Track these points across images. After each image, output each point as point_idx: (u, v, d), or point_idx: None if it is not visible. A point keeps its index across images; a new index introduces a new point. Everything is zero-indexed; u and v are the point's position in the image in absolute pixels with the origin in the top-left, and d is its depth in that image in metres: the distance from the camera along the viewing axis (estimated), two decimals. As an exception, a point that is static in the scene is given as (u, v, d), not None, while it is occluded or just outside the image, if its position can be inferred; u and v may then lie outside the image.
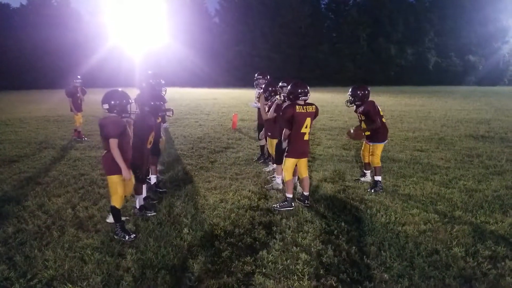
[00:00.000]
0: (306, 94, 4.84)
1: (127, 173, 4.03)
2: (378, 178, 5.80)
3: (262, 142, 7.45)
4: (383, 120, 5.83)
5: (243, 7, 48.31)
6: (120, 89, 4.28)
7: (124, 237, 4.11)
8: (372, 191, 5.67)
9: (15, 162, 7.61)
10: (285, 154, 4.96)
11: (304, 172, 5.10)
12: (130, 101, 4.22)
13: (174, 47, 43.57)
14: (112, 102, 4.07)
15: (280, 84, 5.87)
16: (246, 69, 44.36)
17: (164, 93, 7.00)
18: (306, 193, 5.10)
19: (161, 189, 5.69)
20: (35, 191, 5.69)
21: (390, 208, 4.97)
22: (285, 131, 4.88)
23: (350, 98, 5.79)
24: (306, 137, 4.92)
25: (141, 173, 4.79)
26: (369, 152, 5.95)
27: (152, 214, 4.80)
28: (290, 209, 4.90)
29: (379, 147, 5.84)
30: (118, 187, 4.08)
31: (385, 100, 22.52)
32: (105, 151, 4.09)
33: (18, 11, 53.48)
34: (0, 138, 10.32)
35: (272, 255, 3.75)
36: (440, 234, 4.24)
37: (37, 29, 46.58)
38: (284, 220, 4.57)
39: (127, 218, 4.66)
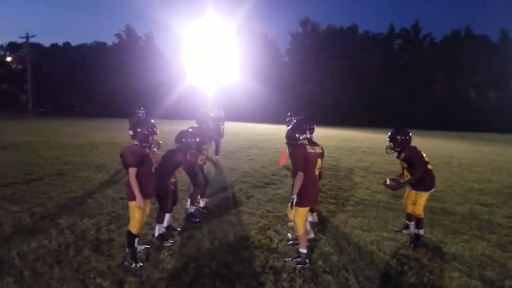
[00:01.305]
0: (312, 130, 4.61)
1: (140, 201, 4.05)
2: (420, 231, 5.20)
3: None
4: (429, 167, 5.29)
5: (313, 47, 48.96)
6: (148, 120, 4.42)
7: (131, 264, 4.08)
8: (412, 245, 5.09)
9: (69, 182, 8.12)
10: (296, 202, 4.23)
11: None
12: (156, 130, 4.29)
13: (245, 83, 45.10)
14: (138, 130, 4.19)
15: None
16: (312, 107, 44.30)
17: (222, 127, 7.20)
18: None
19: (196, 218, 5.72)
20: (73, 210, 5.96)
21: (426, 268, 4.39)
22: (300, 175, 4.23)
23: (389, 143, 5.35)
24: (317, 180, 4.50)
25: (165, 204, 4.83)
26: (412, 201, 5.40)
27: (168, 244, 4.73)
28: (305, 266, 4.27)
29: (423, 197, 5.27)
30: (136, 213, 4.13)
31: (458, 146, 20.87)
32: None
33: (110, 49, 59.63)
34: (67, 159, 11.17)
35: (272, 305, 3.44)
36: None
37: (125, 65, 51.24)
38: (298, 267, 4.23)
39: (147, 246, 4.64)
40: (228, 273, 4.02)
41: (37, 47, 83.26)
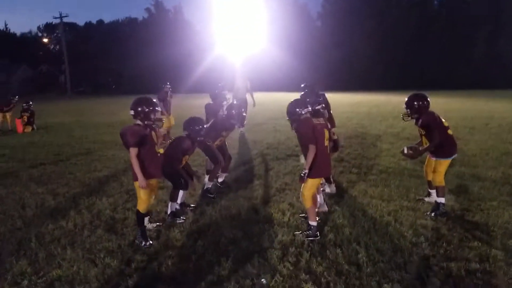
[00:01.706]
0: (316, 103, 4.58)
1: (142, 182, 4.03)
2: (441, 200, 4.93)
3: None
4: (449, 132, 4.96)
5: (347, 10, 46.89)
6: (147, 96, 4.34)
7: (141, 243, 4.15)
8: (433, 214, 4.86)
9: (95, 161, 8.37)
10: (307, 174, 4.13)
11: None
12: (157, 108, 4.25)
13: (273, 51, 44.20)
14: (139, 109, 4.12)
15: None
16: (345, 72, 43.12)
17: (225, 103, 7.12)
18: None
19: (211, 194, 5.75)
20: (95, 190, 6.14)
21: (443, 238, 4.18)
22: (312, 147, 4.11)
23: (406, 110, 5.04)
24: (328, 151, 4.37)
25: (178, 183, 4.84)
26: (432, 169, 5.12)
27: (180, 221, 4.78)
28: (315, 239, 4.19)
29: (444, 164, 4.98)
30: (142, 193, 4.15)
31: (499, 106, 19.62)
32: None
33: (141, 24, 60.04)
34: (96, 138, 11.53)
35: (275, 281, 3.40)
36: (495, 278, 3.40)
37: (155, 40, 51.53)
38: (307, 241, 4.14)
39: (159, 224, 4.71)
40: (235, 249, 4.01)
41: (72, 26, 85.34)
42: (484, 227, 4.47)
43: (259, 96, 31.71)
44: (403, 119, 5.18)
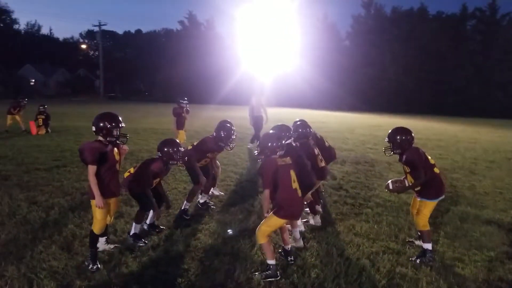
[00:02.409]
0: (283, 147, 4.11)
1: (99, 201, 3.82)
2: (427, 245, 4.43)
3: None
4: (436, 171, 4.49)
5: (376, 30, 46.26)
6: (111, 112, 4.12)
7: (89, 265, 3.88)
8: (418, 261, 4.37)
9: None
10: (274, 210, 3.93)
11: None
12: (121, 124, 4.02)
13: (301, 67, 43.98)
14: (101, 125, 3.92)
15: None
16: (372, 92, 42.22)
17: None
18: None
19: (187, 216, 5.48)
20: (73, 201, 6.00)
21: (421, 291, 3.70)
22: (266, 193, 3.94)
23: (388, 144, 4.61)
24: (299, 193, 4.03)
25: (145, 204, 4.61)
26: (416, 210, 4.65)
27: (141, 244, 4.50)
28: (275, 279, 3.84)
29: (428, 206, 4.50)
30: (97, 213, 3.91)
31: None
32: None
33: (175, 36, 61.38)
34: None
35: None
36: None
37: (187, 51, 52.40)
38: (263, 283, 3.76)
39: (117, 245, 4.46)
40: (182, 284, 3.68)
41: (112, 34, 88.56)
42: (471, 284, 3.95)
43: (282, 111, 31.52)
44: (385, 153, 4.76)
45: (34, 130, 13.65)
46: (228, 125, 5.85)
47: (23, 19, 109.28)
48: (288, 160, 4.08)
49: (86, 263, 3.92)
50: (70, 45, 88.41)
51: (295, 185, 3.98)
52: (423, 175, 4.32)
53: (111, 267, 3.94)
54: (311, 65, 43.86)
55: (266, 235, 3.89)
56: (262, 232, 3.89)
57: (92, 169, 3.80)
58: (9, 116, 14.17)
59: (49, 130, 14.09)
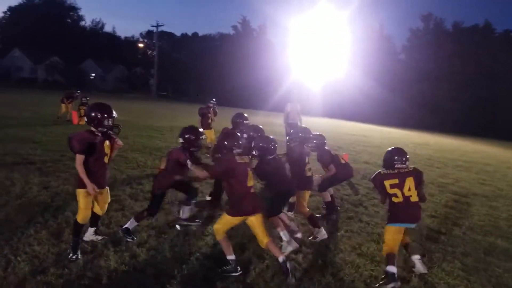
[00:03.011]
0: (241, 146, 4.14)
1: (91, 188, 3.83)
2: (390, 269, 3.95)
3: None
4: (394, 200, 4.22)
5: (434, 45, 44.31)
6: (104, 103, 4.13)
7: (70, 254, 3.86)
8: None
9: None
10: (227, 208, 4.10)
11: (263, 236, 3.94)
12: (113, 115, 4.03)
13: (354, 79, 43.02)
14: (92, 114, 3.95)
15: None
16: (425, 109, 40.33)
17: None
18: (282, 258, 3.86)
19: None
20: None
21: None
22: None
23: None
24: (252, 190, 4.05)
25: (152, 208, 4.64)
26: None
27: (129, 240, 4.42)
28: (235, 274, 3.82)
29: (389, 231, 4.19)
30: (81, 201, 3.92)
31: None
32: None
33: (228, 40, 62.48)
34: (132, 140, 11.76)
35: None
36: None
37: (238, 56, 53.19)
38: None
39: (105, 237, 4.41)
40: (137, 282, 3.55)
41: (170, 35, 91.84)
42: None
43: (325, 122, 30.95)
44: None
45: (75, 119, 14.29)
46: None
47: (89, 16, 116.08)
48: (246, 159, 4.13)
49: (68, 251, 3.89)
50: (130, 43, 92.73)
51: (251, 183, 3.99)
52: (382, 199, 4.37)
53: (90, 258, 3.88)
54: (364, 77, 42.79)
55: (221, 233, 3.92)
56: (216, 230, 3.95)
57: (79, 158, 3.81)
58: (62, 105, 14.97)
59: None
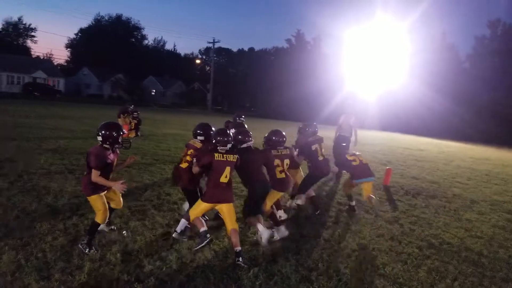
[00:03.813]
0: (226, 143, 4.60)
1: (118, 186, 4.22)
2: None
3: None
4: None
5: (503, 52, 41.16)
6: (114, 122, 4.52)
7: (85, 249, 4.19)
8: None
9: (137, 170, 8.68)
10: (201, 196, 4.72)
11: (230, 224, 4.45)
12: (121, 132, 4.39)
13: (413, 90, 41.08)
14: (107, 133, 4.27)
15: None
16: (492, 122, 37.23)
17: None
18: (237, 249, 4.31)
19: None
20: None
21: None
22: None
23: None
24: (224, 185, 4.56)
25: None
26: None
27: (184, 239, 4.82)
28: (208, 240, 4.56)
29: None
30: (98, 204, 4.29)
31: None
32: (85, 173, 4.33)
33: (282, 54, 62.86)
34: (174, 152, 12.04)
35: None
36: None
37: (293, 69, 53.18)
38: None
39: (114, 227, 4.86)
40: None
41: (227, 51, 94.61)
42: None
43: (379, 135, 29.76)
44: None
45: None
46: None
47: (151, 35, 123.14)
48: (230, 157, 4.57)
49: (80, 246, 4.23)
50: (189, 60, 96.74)
51: (225, 179, 4.50)
52: None
53: (96, 266, 3.93)
54: (424, 87, 40.69)
55: (193, 216, 4.64)
56: (191, 212, 4.68)
57: (97, 172, 4.15)
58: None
59: (139, 133, 15.31)
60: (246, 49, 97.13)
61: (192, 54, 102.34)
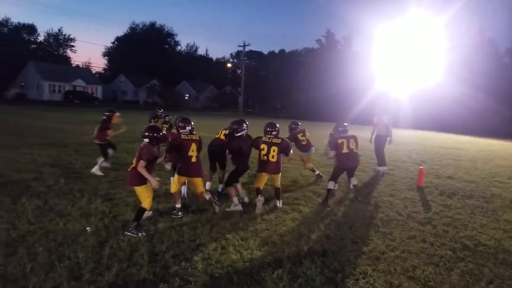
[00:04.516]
0: (184, 127, 6.03)
1: (154, 182, 4.92)
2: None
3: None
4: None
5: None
6: (155, 125, 5.42)
7: (135, 234, 4.89)
8: None
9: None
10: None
11: (200, 190, 5.97)
12: (162, 133, 5.28)
13: (449, 87, 39.61)
14: (154, 135, 5.15)
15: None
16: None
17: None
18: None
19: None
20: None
21: None
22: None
23: None
24: (193, 160, 5.82)
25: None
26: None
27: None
28: (181, 216, 5.72)
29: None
30: (144, 194, 5.07)
31: None
32: (132, 167, 5.08)
33: (312, 55, 62.44)
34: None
35: None
36: None
37: (323, 70, 52.68)
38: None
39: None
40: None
41: (258, 54, 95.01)
42: None
43: (414, 134, 28.86)
44: None
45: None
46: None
47: (184, 41, 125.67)
48: (193, 136, 5.92)
49: (128, 233, 4.88)
50: (220, 64, 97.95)
51: (192, 153, 5.79)
52: None
53: (124, 267, 4.05)
54: (461, 84, 39.09)
55: (174, 188, 5.90)
56: (172, 186, 6.14)
57: (143, 164, 4.90)
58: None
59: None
60: (276, 51, 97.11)
61: (223, 58, 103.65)
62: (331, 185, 7.30)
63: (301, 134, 9.38)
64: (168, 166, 6.67)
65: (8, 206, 5.62)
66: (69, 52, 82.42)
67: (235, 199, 6.42)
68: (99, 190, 6.98)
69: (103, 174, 8.21)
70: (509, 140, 30.65)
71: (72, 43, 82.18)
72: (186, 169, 5.80)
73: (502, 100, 38.57)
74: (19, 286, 3.58)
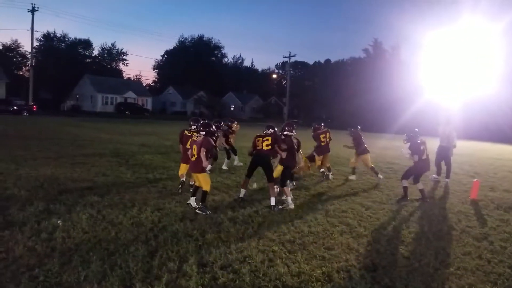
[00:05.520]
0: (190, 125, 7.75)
1: (206, 163, 6.60)
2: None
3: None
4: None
5: None
6: (207, 121, 7.19)
7: (206, 212, 6.38)
8: None
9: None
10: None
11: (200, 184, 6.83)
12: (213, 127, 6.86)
13: (507, 96, 37.15)
14: (211, 129, 6.73)
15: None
16: None
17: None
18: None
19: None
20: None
21: None
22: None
23: None
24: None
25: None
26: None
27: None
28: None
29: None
30: (205, 179, 6.67)
31: None
32: (195, 159, 6.56)
33: (359, 64, 61.21)
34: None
35: None
36: None
37: (370, 79, 51.47)
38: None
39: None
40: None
41: (303, 64, 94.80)
42: None
43: (472, 145, 27.29)
44: None
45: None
46: None
47: (230, 53, 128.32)
48: (196, 136, 6.80)
49: (201, 212, 6.38)
50: (266, 75, 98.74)
51: (191, 152, 6.66)
52: None
53: (173, 277, 4.09)
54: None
55: (180, 174, 7.95)
56: (179, 170, 8.00)
57: (204, 150, 6.45)
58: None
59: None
60: (322, 61, 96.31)
61: (269, 69, 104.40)
62: (405, 183, 8.39)
63: (323, 135, 10.38)
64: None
65: (64, 215, 5.89)
66: (121, 66, 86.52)
67: (289, 199, 7.17)
68: (149, 199, 7.17)
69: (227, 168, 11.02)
70: None
71: (124, 57, 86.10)
72: (187, 160, 7.20)
73: None
74: (75, 293, 3.71)
